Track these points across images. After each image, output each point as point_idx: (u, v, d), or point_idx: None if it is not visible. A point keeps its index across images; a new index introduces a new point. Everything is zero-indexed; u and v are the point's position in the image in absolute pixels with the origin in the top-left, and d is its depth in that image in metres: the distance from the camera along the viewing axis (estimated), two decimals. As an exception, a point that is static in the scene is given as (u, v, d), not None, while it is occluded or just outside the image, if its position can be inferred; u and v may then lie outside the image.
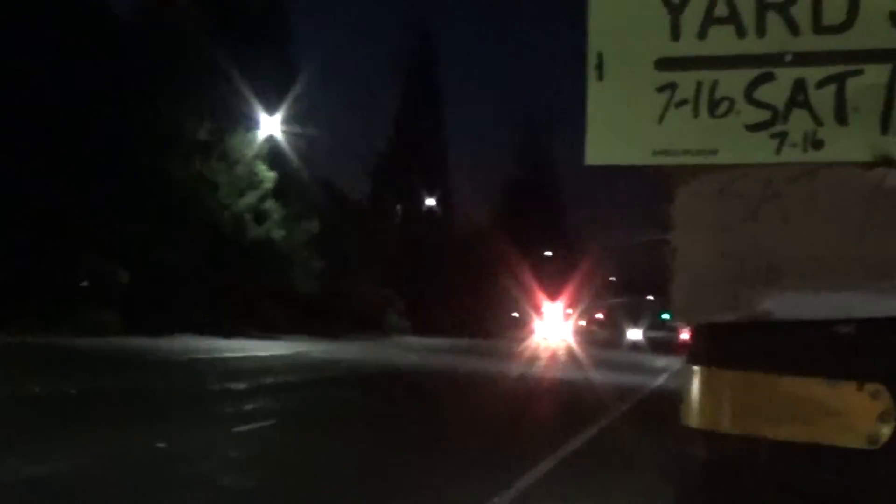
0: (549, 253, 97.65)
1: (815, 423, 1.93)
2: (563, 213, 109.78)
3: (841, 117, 1.94)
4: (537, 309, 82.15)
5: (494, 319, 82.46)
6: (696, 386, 2.08)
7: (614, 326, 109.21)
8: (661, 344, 79.32)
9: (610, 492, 12.09)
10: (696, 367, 2.09)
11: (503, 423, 18.40)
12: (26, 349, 29.00)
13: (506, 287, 77.27)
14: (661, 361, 51.22)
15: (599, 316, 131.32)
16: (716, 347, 2.04)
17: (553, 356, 51.76)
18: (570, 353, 54.94)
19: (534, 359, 46.83)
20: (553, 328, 79.83)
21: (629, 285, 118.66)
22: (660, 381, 35.57)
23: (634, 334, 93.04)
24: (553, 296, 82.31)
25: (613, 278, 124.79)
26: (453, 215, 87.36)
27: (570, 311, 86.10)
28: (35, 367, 23.68)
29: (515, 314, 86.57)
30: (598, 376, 35.51)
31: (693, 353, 2.12)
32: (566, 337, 75.19)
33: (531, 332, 77.72)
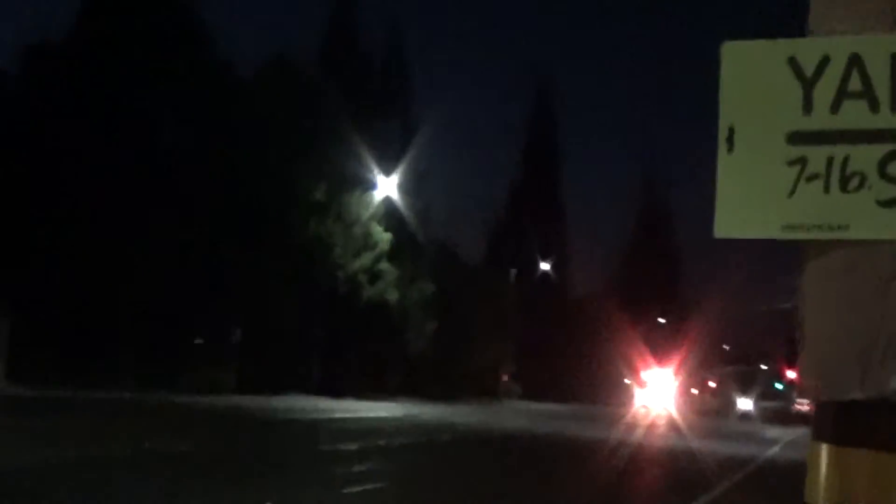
0: (662, 319, 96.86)
1: (947, 506, 1.88)
2: (680, 279, 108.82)
3: (975, 194, 1.91)
4: (639, 376, 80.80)
5: (602, 385, 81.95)
6: (822, 463, 2.03)
7: (725, 395, 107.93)
8: (774, 414, 78.00)
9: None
10: (822, 444, 2.05)
11: (609, 495, 18.18)
12: (143, 406, 29.45)
13: (615, 353, 76.70)
14: (772, 432, 50.30)
15: (712, 384, 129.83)
16: (844, 425, 1.99)
17: (653, 425, 50.85)
18: (672, 423, 54.02)
19: (635, 427, 46.03)
20: (655, 396, 78.22)
21: (743, 354, 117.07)
22: (771, 452, 34.91)
23: (745, 404, 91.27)
24: (661, 362, 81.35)
25: (727, 346, 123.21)
26: (568, 278, 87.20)
27: (674, 378, 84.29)
28: (150, 425, 24.02)
29: (627, 381, 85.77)
30: (703, 446, 34.83)
31: (819, 429, 2.07)
32: (668, 405, 73.33)
33: (633, 399, 76.66)
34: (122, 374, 36.10)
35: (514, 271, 71.19)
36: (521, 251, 76.12)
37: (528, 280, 75.50)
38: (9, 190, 36.18)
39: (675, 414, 62.88)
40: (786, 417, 68.30)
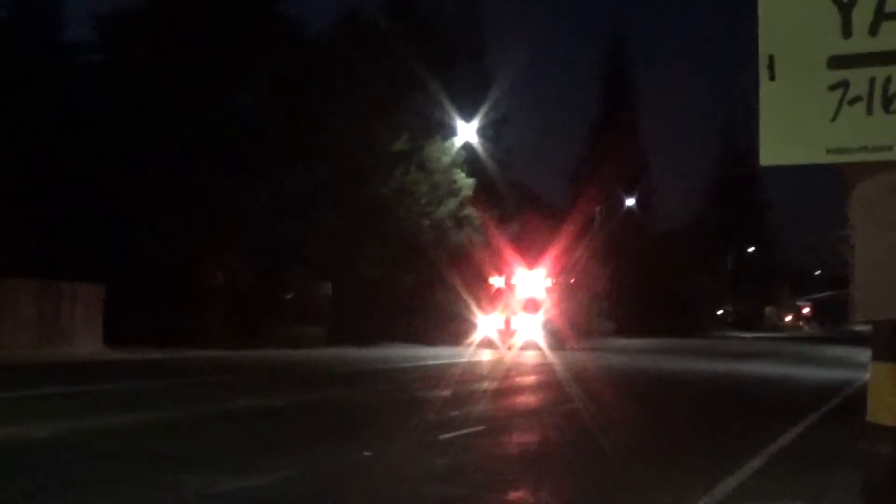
0: (751, 249, 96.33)
1: None
2: (767, 209, 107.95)
3: None
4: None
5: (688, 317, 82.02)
6: (883, 382, 2.05)
7: (817, 321, 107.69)
8: (866, 338, 77.45)
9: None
10: (882, 364, 2.06)
11: (708, 422, 18.13)
12: (236, 362, 29.84)
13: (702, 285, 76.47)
14: (865, 356, 49.61)
15: (806, 311, 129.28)
16: (900, 344, 2.01)
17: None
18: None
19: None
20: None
21: (835, 279, 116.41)
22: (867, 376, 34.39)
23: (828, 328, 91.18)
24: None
25: (818, 272, 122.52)
26: (653, 215, 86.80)
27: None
28: (244, 381, 24.37)
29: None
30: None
31: (878, 349, 2.09)
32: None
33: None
34: (214, 333, 36.60)
35: (598, 209, 70.82)
36: (604, 189, 75.63)
37: (612, 217, 75.04)
38: (95, 157, 36.65)
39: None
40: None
